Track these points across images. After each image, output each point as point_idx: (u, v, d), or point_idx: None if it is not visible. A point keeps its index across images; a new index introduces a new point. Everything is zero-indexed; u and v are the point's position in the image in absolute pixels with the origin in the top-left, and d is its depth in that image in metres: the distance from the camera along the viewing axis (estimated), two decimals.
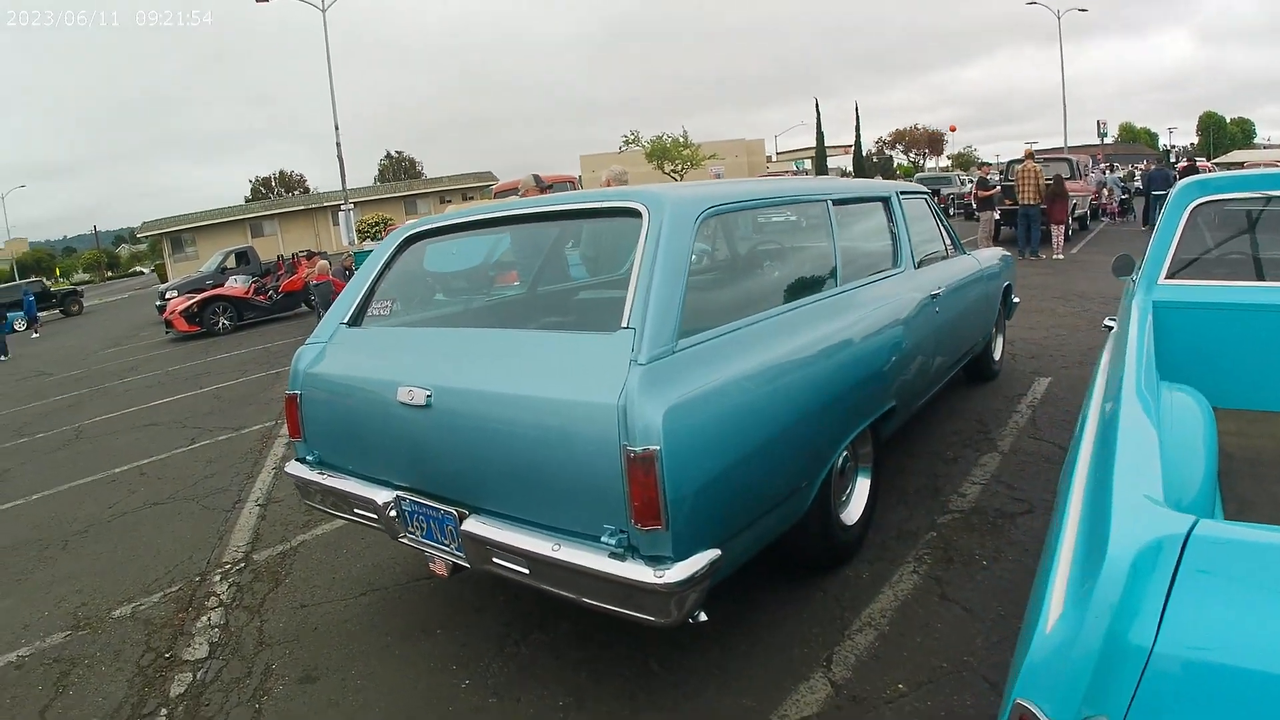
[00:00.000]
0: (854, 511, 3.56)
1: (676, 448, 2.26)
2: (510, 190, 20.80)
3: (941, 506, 4.03)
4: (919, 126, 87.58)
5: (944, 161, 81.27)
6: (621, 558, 2.27)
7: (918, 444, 4.94)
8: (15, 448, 8.27)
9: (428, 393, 2.74)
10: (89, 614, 3.97)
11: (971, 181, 22.34)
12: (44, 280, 41.92)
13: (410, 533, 2.96)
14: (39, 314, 27.54)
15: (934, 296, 4.26)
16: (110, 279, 75.95)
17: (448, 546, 2.80)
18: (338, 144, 28.87)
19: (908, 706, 2.61)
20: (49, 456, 7.61)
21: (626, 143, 50.79)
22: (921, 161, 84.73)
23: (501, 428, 2.57)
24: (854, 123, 68.21)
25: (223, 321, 17.44)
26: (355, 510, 3.15)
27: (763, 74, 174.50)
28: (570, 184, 22.73)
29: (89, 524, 5.36)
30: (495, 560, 2.60)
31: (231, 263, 23.06)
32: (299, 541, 4.56)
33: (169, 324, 17.59)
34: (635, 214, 2.72)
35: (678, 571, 2.23)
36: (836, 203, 3.84)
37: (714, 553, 2.35)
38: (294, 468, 3.43)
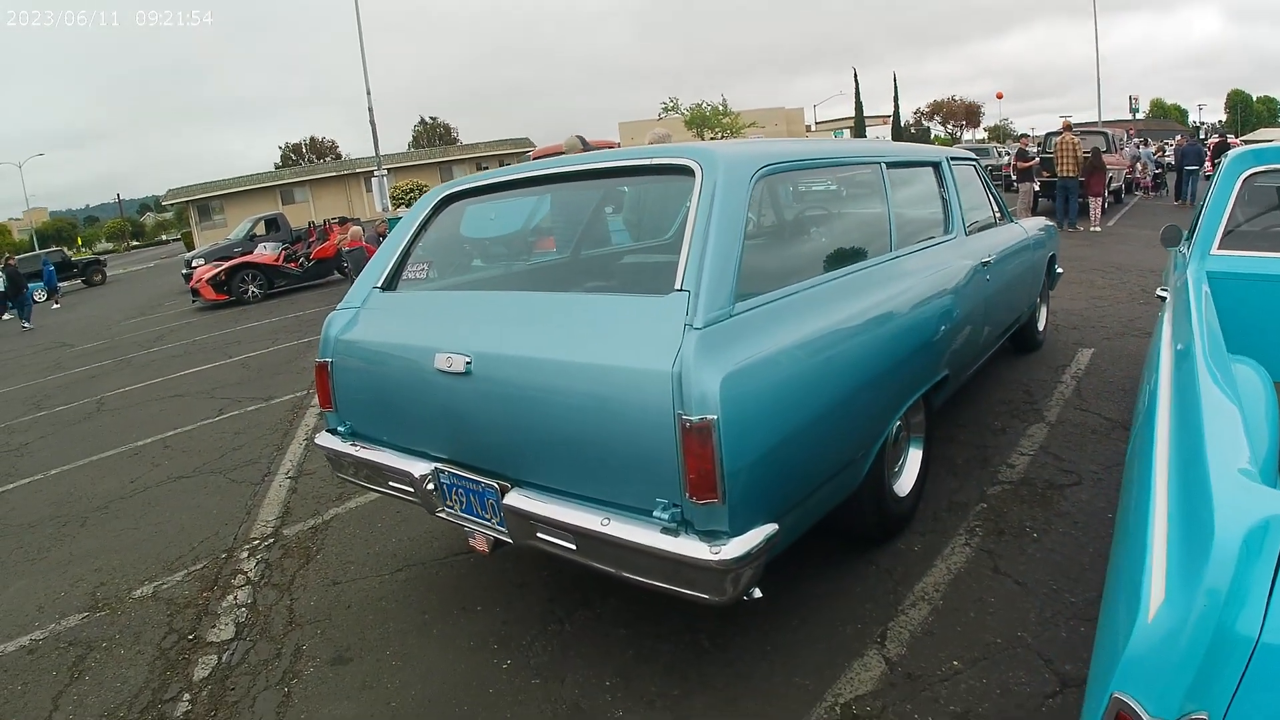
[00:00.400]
0: (906, 482, 3.43)
1: (734, 417, 2.11)
2: (553, 153, 20.17)
3: (991, 477, 3.91)
4: (956, 98, 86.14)
5: (981, 134, 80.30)
6: (675, 533, 2.13)
7: (966, 413, 4.82)
8: (34, 421, 8.21)
9: (467, 359, 2.60)
10: (108, 594, 3.85)
11: (1009, 153, 22.07)
12: (64, 250, 41.72)
13: (449, 507, 2.82)
14: (59, 284, 27.34)
15: (984, 264, 4.11)
16: (135, 248, 75.93)
17: (489, 521, 2.67)
18: (369, 108, 28.37)
19: (963, 684, 2.50)
20: (69, 430, 7.53)
21: (665, 110, 49.80)
22: (959, 133, 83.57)
23: (546, 396, 2.43)
24: (892, 93, 68.04)
25: (252, 289, 17.18)
26: (390, 483, 3.02)
27: (802, 43, 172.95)
28: (613, 148, 22.42)
29: (109, 500, 5.26)
30: (540, 535, 2.46)
31: (261, 230, 22.72)
32: (331, 515, 4.45)
33: (196, 292, 17.39)
34: (687, 171, 2.55)
35: (734, 547, 2.10)
36: (890, 165, 3.68)
37: (771, 527, 2.21)
38: (325, 439, 3.29)
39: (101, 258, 40.27)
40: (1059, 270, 6.69)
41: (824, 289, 2.82)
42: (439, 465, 2.80)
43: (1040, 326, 6.28)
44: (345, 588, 3.59)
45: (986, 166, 25.43)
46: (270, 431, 6.42)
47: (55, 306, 24.77)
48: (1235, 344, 2.59)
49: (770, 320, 2.43)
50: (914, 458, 3.51)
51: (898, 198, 3.67)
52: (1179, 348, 2.19)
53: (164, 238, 76.17)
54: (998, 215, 5.12)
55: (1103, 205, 15.06)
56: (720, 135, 48.35)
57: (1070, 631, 2.70)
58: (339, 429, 3.26)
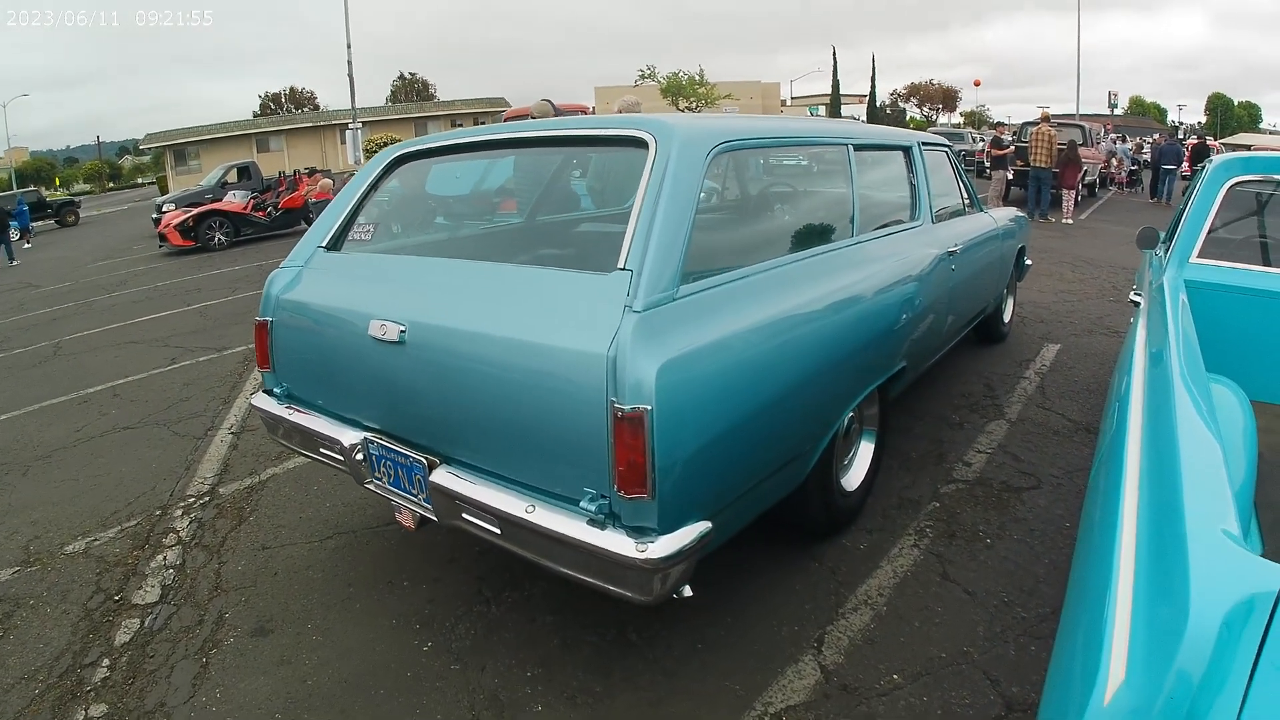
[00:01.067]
0: (855, 476, 3.35)
1: (670, 408, 2.01)
2: (521, 116, 19.96)
3: (946, 475, 3.83)
4: (934, 82, 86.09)
5: (957, 118, 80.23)
6: (601, 525, 2.04)
7: (924, 405, 4.73)
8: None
9: (401, 328, 2.49)
10: (41, 548, 3.74)
11: (985, 140, 22.00)
12: (39, 190, 40.82)
13: (377, 479, 2.73)
14: (32, 224, 26.86)
15: (950, 254, 4.02)
16: (111, 190, 74.43)
17: (415, 497, 2.57)
18: (349, 61, 28.07)
19: (901, 700, 2.41)
20: (23, 374, 7.34)
21: (643, 77, 49.81)
22: (935, 116, 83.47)
23: (479, 371, 2.32)
24: (870, 73, 67.54)
25: (219, 237, 16.96)
26: (321, 450, 2.91)
27: (782, 19, 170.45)
28: (583, 113, 22.13)
29: (54, 449, 5.12)
30: (464, 517, 2.37)
31: (233, 177, 22.40)
32: (269, 475, 4.35)
33: (163, 238, 17.09)
34: (641, 144, 2.43)
35: (662, 546, 2.01)
36: (857, 148, 3.55)
37: (704, 525, 2.12)
38: (260, 400, 3.18)
39: (75, 199, 39.35)
40: (1028, 262, 6.63)
41: (779, 272, 2.71)
42: (370, 435, 2.69)
43: (1006, 318, 6.21)
44: (274, 553, 3.49)
45: (960, 152, 25.34)
46: (219, 384, 6.30)
47: (27, 246, 24.21)
48: (1211, 360, 2.47)
49: (718, 303, 2.33)
50: (865, 451, 3.43)
51: (864, 181, 3.56)
52: (1154, 362, 2.07)
53: (140, 181, 74.66)
54: (967, 203, 5.02)
55: (1076, 198, 14.96)
56: (695, 105, 48.12)
57: (1020, 650, 2.60)
58: (275, 390, 3.14)
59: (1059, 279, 8.91)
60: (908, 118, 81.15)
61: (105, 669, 2.79)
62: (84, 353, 7.97)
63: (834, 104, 61.67)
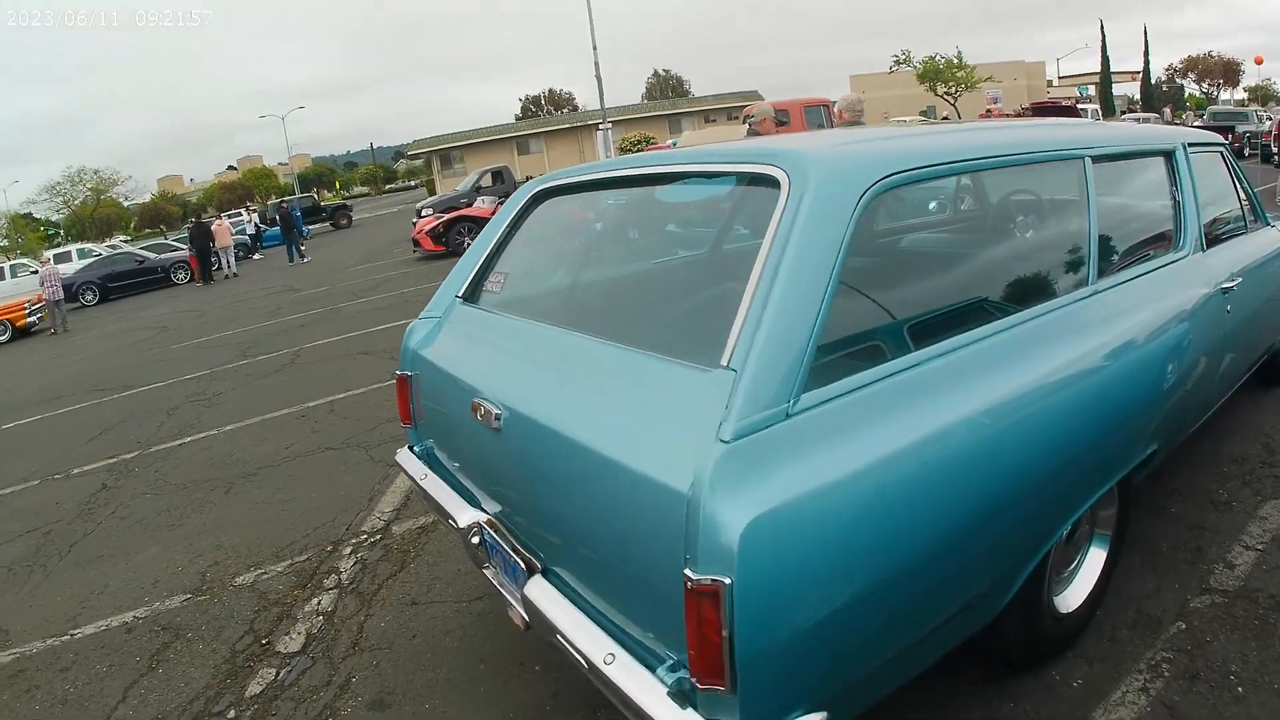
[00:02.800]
0: (1076, 595, 2.61)
1: (762, 580, 1.49)
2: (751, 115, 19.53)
3: (1200, 580, 2.93)
4: (1213, 54, 76.29)
5: (1240, 94, 70.74)
6: (681, 704, 1.57)
7: (1182, 474, 3.74)
8: (235, 369, 8.80)
9: (498, 412, 2.19)
10: (216, 576, 3.91)
11: (1272, 119, 18.88)
12: (313, 195, 45.37)
13: (491, 567, 2.44)
14: (308, 228, 29.60)
15: (1225, 291, 3.09)
16: (387, 192, 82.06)
17: (517, 601, 2.24)
18: (595, 63, 29.42)
19: None
20: (259, 382, 7.95)
21: (897, 63, 47.11)
22: (1215, 93, 74.02)
23: (564, 478, 1.96)
24: (1142, 47, 60.99)
25: (467, 242, 17.65)
26: (449, 521, 2.66)
27: None
28: (825, 108, 21.34)
29: (260, 466, 5.41)
30: (556, 637, 2.00)
31: (488, 181, 23.53)
32: None
33: (416, 243, 18.19)
34: (771, 183, 1.91)
35: None
36: (1097, 160, 2.75)
37: (816, 718, 1.61)
38: (404, 457, 2.99)
39: (348, 203, 43.56)
40: None
41: (966, 355, 2.02)
42: (485, 520, 2.40)
43: None
44: (420, 610, 3.34)
45: (1245, 134, 22.03)
46: None
47: (302, 253, 26.93)
48: None
49: (863, 415, 1.73)
50: (1095, 560, 2.68)
51: (1106, 204, 2.80)
52: None
53: (413, 183, 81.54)
54: (1250, 218, 3.91)
55: None
56: (954, 89, 45.09)
57: None
58: (416, 449, 2.96)
59: None
60: (1185, 95, 72.56)
61: None
62: (317, 362, 8.53)
63: (1104, 83, 55.97)
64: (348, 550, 3.96)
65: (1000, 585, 2.11)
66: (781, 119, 6.15)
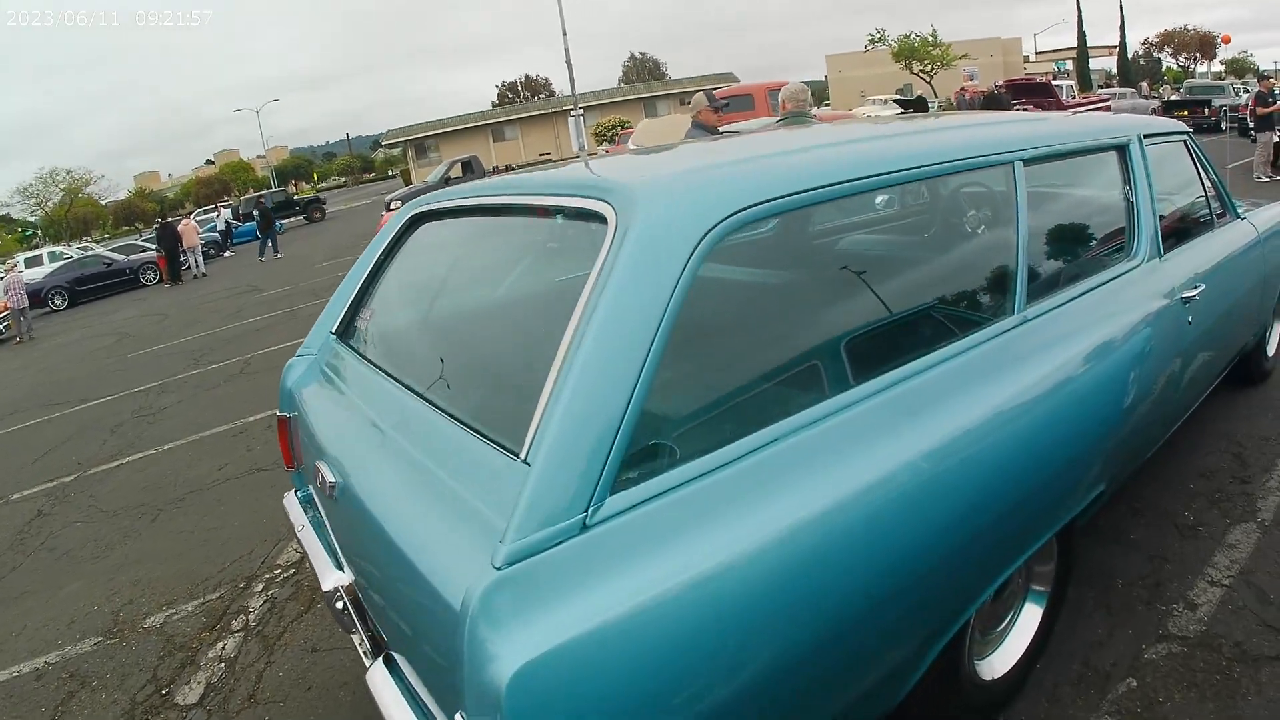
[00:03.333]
0: (1007, 658, 2.31)
1: None
2: (738, 95, 18.96)
3: (1157, 624, 2.63)
4: (1189, 27, 76.13)
5: (1217, 67, 70.65)
6: None
7: (1144, 491, 3.45)
8: (185, 380, 8.57)
9: (333, 482, 1.95)
10: (128, 616, 3.72)
11: (1249, 92, 18.71)
12: (286, 189, 44.88)
13: (357, 633, 2.19)
14: (281, 223, 29.11)
15: (1186, 301, 2.80)
16: (366, 181, 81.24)
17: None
18: (565, 49, 29.02)
19: None
20: (206, 394, 7.72)
21: (872, 41, 46.65)
22: (1192, 67, 73.87)
23: (383, 567, 1.72)
24: (1118, 21, 61.02)
25: None
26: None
27: None
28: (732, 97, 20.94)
29: (190, 490, 5.22)
30: None
31: (457, 172, 23.11)
32: None
33: None
34: (599, 220, 1.60)
35: None
36: (1031, 162, 2.36)
37: None
38: (289, 502, 2.71)
39: (321, 196, 43.08)
40: None
41: (840, 424, 1.65)
42: (344, 586, 2.10)
43: (1270, 350, 4.40)
44: (320, 659, 3.11)
45: (1223, 107, 21.74)
46: None
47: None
48: None
49: (689, 518, 1.40)
50: (1028, 619, 2.38)
51: (1043, 216, 2.51)
52: None
53: (390, 173, 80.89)
54: (1215, 212, 3.56)
55: None
56: (930, 68, 44.76)
57: None
58: (299, 494, 2.72)
59: None
60: (1164, 69, 72.44)
61: None
62: (266, 371, 8.26)
63: (1080, 58, 55.81)
64: (260, 587, 3.75)
65: (902, 672, 1.84)
66: (717, 105, 5.79)
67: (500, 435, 1.52)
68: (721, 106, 5.82)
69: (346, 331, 2.65)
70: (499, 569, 1.24)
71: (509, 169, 22.27)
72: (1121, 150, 2.91)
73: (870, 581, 1.60)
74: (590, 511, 1.31)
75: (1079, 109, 20.81)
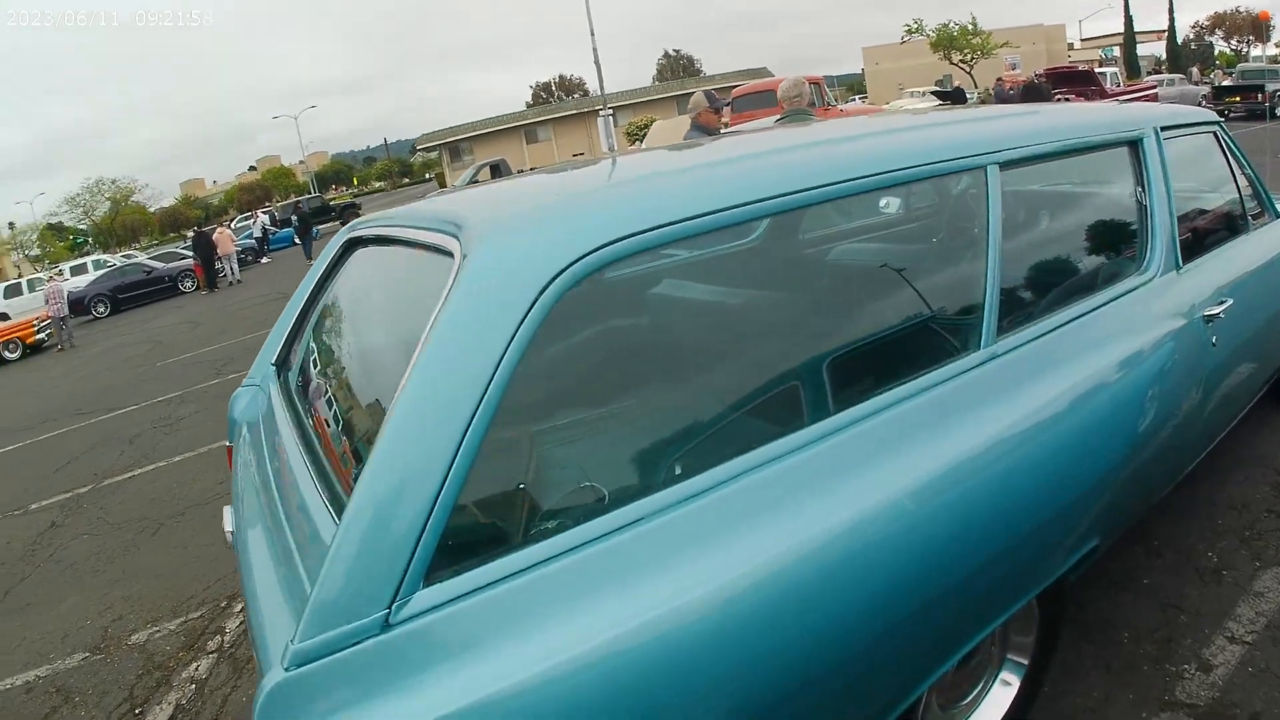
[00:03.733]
0: None
1: None
2: (754, 93, 18.59)
3: (1164, 688, 2.27)
4: (1241, 9, 73.74)
5: (1272, 50, 68.38)
6: None
7: (1164, 522, 3.03)
8: (205, 390, 8.64)
9: (230, 531, 1.91)
10: (117, 631, 3.76)
11: None
12: (321, 196, 45.34)
13: None
14: (319, 229, 29.42)
15: (1209, 319, 2.42)
16: (404, 185, 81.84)
17: None
18: (594, 49, 28.97)
19: None
20: (223, 405, 7.67)
21: (909, 32, 45.91)
22: (1245, 50, 71.52)
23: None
24: (1167, 4, 59.26)
25: None
26: None
27: None
28: (816, 85, 20.63)
29: (192, 504, 5.27)
30: None
31: (485, 175, 22.96)
32: None
33: None
34: (447, 257, 1.39)
35: None
36: (1009, 166, 2.00)
37: None
38: (228, 522, 2.64)
39: (357, 201, 43.32)
40: None
41: (741, 490, 1.38)
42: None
43: None
44: None
45: (1275, 92, 20.69)
46: None
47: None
48: None
49: (525, 614, 1.18)
50: (1001, 692, 2.05)
51: (1027, 226, 2.25)
52: None
53: (428, 176, 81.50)
54: (1247, 211, 3.11)
55: None
56: (970, 57, 43.79)
57: None
58: None
59: None
60: (1215, 53, 70.27)
61: None
62: None
63: (1128, 43, 54.19)
64: (239, 607, 3.74)
65: None
66: (718, 105, 5.55)
67: (335, 504, 1.39)
68: (722, 106, 5.60)
69: (284, 363, 2.53)
70: (287, 670, 1.08)
71: (520, 172, 22.00)
72: (1135, 145, 2.49)
73: (776, 677, 1.34)
74: (394, 607, 1.12)
75: (1124, 98, 20.22)
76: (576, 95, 69.32)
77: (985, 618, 1.74)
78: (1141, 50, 55.53)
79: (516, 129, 51.02)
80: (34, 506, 6.04)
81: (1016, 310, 1.98)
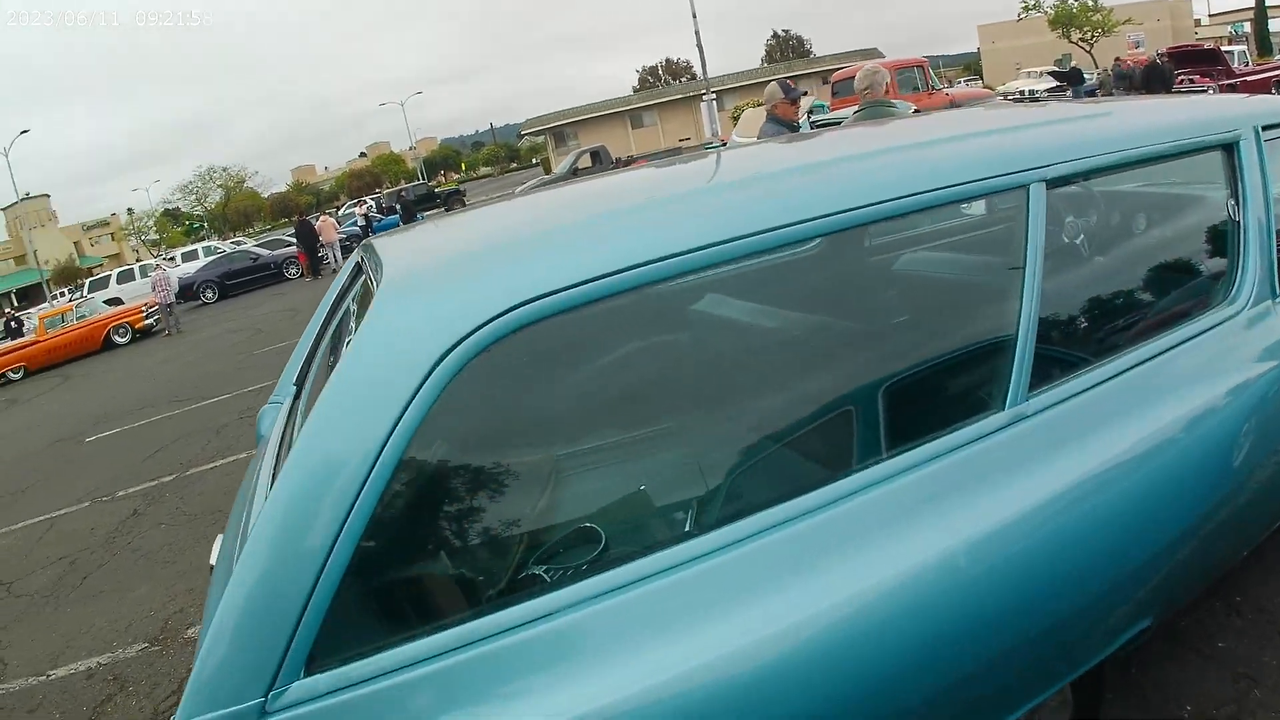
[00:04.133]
0: None
1: None
2: (850, 78, 17.94)
3: None
4: None
5: None
6: None
7: (1247, 574, 2.56)
8: (262, 390, 8.80)
9: (212, 564, 1.89)
10: (175, 625, 3.93)
11: None
12: (426, 183, 46.28)
13: None
14: (424, 216, 30.13)
15: None
16: (511, 170, 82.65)
17: None
18: (695, 30, 28.32)
19: None
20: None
21: (1026, 9, 43.88)
22: None
23: None
24: None
25: None
26: None
27: None
28: (920, 69, 19.87)
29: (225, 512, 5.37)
30: None
31: (586, 162, 23.00)
32: None
33: None
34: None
35: None
36: (1057, 183, 1.66)
37: None
38: (214, 555, 2.61)
39: (461, 188, 44.04)
40: None
41: (699, 573, 1.21)
42: None
43: None
44: None
45: None
46: None
47: None
48: None
49: (416, 710, 1.09)
50: None
51: (1066, 257, 1.98)
52: None
53: (534, 160, 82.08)
54: None
55: None
56: (1090, 35, 41.54)
57: None
58: None
59: None
60: None
61: None
62: None
63: (1259, 18, 50.19)
64: (191, 629, 3.85)
65: None
66: (794, 95, 5.14)
67: None
68: (799, 96, 5.28)
69: (302, 384, 2.48)
70: None
71: (630, 160, 21.67)
72: (1230, 149, 2.04)
73: None
74: (269, 696, 1.05)
75: (1253, 78, 18.81)
76: (683, 79, 68.17)
77: (1004, 708, 1.51)
78: (1275, 25, 51.57)
79: (621, 114, 50.65)
80: (120, 494, 6.35)
81: (1056, 358, 1.70)
